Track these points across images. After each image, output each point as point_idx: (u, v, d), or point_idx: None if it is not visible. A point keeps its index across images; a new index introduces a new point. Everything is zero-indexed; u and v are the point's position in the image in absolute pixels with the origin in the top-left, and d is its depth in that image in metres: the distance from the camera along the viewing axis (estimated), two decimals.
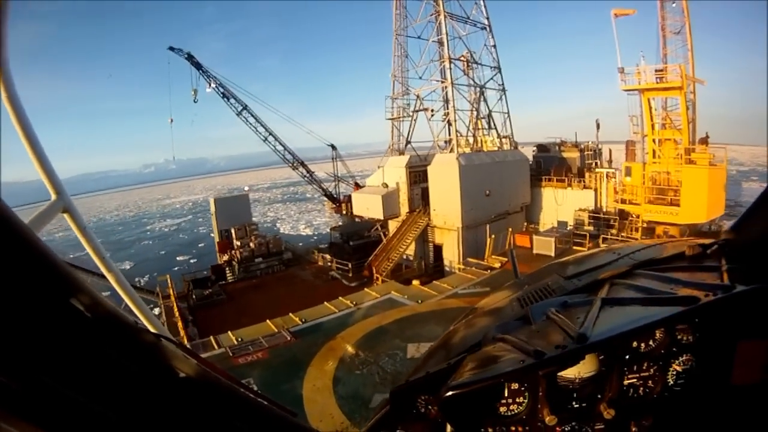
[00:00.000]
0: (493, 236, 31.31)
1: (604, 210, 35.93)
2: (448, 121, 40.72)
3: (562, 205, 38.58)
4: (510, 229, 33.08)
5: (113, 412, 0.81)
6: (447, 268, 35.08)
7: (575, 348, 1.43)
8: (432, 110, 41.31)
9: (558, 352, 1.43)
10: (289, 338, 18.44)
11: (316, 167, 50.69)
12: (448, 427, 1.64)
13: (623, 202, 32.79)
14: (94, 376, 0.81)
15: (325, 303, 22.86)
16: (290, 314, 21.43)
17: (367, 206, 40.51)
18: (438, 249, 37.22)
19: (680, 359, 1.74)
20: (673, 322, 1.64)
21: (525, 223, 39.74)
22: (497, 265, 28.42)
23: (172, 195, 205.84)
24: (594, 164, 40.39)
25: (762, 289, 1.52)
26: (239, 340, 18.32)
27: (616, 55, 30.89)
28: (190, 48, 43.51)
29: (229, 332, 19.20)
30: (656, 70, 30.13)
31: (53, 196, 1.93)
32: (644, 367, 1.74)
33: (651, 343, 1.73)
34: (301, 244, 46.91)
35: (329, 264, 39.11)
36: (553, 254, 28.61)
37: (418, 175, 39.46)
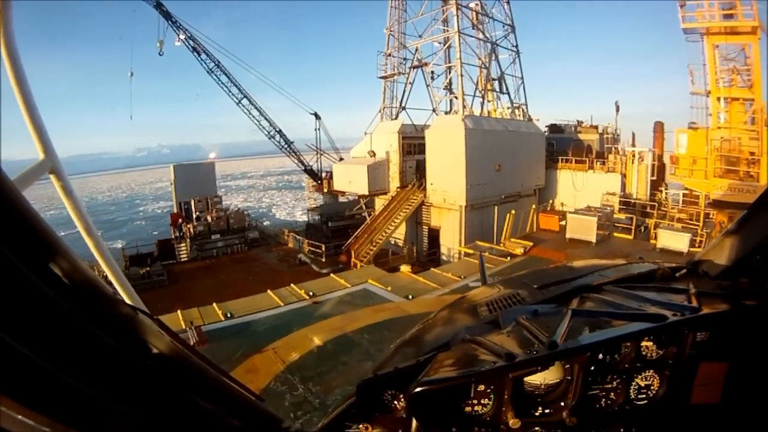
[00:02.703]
0: (513, 212, 24.67)
1: (634, 197, 30.53)
2: (450, 87, 35.25)
3: (581, 190, 33.45)
4: (534, 206, 26.85)
5: (85, 385, 0.79)
6: (444, 257, 29.12)
7: (546, 354, 1.48)
8: (432, 71, 35.71)
9: (529, 356, 1.48)
10: (194, 342, 11.83)
11: (311, 158, 45.03)
12: (413, 424, 1.61)
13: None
14: (68, 347, 0.79)
15: (269, 291, 16.27)
16: (214, 304, 15.03)
17: (349, 179, 34.36)
18: (434, 233, 31.29)
19: (643, 374, 1.75)
20: (640, 337, 1.68)
21: (551, 201, 33.96)
22: (519, 251, 21.65)
23: (164, 179, 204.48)
24: (613, 149, 35.86)
25: (725, 314, 1.68)
26: None
27: None
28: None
29: None
30: (724, 8, 23.81)
31: (41, 156, 1.75)
32: (608, 379, 1.73)
33: (616, 356, 1.72)
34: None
35: (301, 246, 33.16)
36: (594, 240, 22.19)
37: (412, 146, 33.78)
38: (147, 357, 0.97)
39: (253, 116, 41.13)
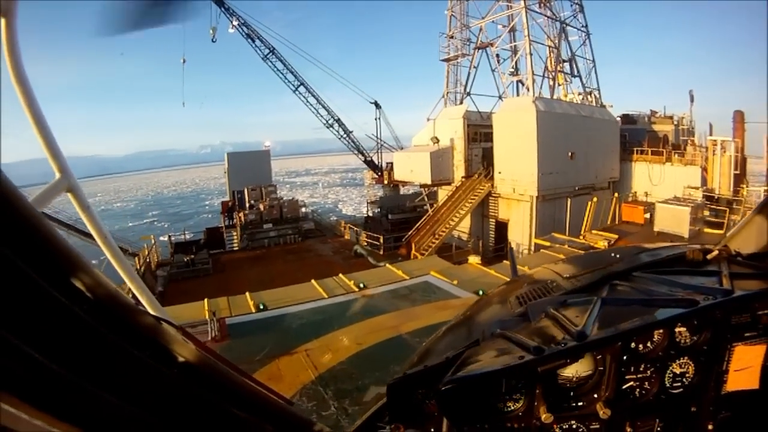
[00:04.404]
0: (595, 199, 22.31)
1: (717, 192, 26.96)
2: (517, 70, 33.46)
3: (658, 185, 30.07)
4: (616, 194, 24.91)
5: (114, 397, 0.81)
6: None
7: (574, 345, 1.47)
8: (498, 54, 33.43)
9: (557, 349, 1.47)
10: (212, 336, 10.00)
11: (372, 153, 44.06)
12: (445, 422, 1.63)
13: None
14: (95, 360, 0.81)
15: (313, 281, 14.22)
16: (246, 294, 13.17)
17: (411, 168, 32.34)
18: (502, 227, 28.73)
19: (678, 361, 1.71)
20: (671, 323, 1.64)
21: (634, 191, 30.68)
22: (602, 244, 18.92)
23: None
24: (689, 140, 32.75)
25: (760, 294, 1.62)
26: None
27: None
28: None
29: None
30: None
31: (57, 175, 1.57)
32: (641, 369, 1.69)
33: (649, 344, 1.68)
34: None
35: (358, 238, 31.08)
36: (686, 234, 19.31)
37: (478, 134, 31.34)
38: (172, 365, 0.97)
39: (311, 104, 40.38)
